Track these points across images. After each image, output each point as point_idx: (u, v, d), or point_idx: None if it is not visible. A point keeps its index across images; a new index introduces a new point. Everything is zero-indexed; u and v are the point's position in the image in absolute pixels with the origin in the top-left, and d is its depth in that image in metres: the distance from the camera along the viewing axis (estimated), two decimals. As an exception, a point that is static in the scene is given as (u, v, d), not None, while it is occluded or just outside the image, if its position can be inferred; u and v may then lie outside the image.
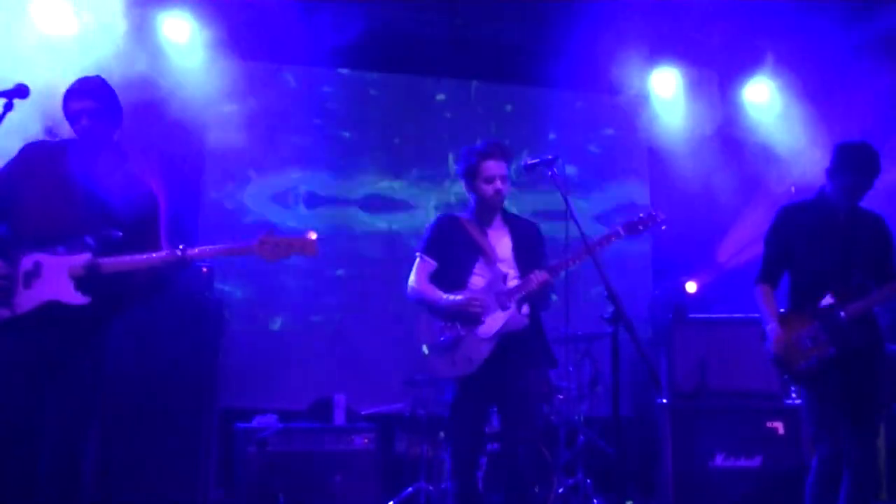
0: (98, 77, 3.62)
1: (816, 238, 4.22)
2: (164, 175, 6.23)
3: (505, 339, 4.05)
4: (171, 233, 6.26)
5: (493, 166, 4.17)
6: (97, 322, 3.46)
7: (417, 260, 4.30)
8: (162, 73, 6.58)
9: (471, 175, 4.22)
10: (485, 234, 4.26)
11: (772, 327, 4.23)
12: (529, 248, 4.28)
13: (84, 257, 3.32)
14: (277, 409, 6.09)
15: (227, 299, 6.62)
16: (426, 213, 7.34)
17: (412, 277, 4.27)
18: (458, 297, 4.05)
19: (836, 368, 4.10)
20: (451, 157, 7.35)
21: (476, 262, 4.18)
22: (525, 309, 4.12)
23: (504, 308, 4.05)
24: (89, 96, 3.50)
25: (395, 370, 6.27)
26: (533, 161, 3.95)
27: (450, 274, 4.20)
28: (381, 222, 7.41)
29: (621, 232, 3.96)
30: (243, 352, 6.61)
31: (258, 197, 7.16)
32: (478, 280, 4.17)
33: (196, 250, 3.46)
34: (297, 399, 6.44)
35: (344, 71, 7.37)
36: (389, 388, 6.37)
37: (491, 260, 4.16)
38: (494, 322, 4.04)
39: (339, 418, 5.94)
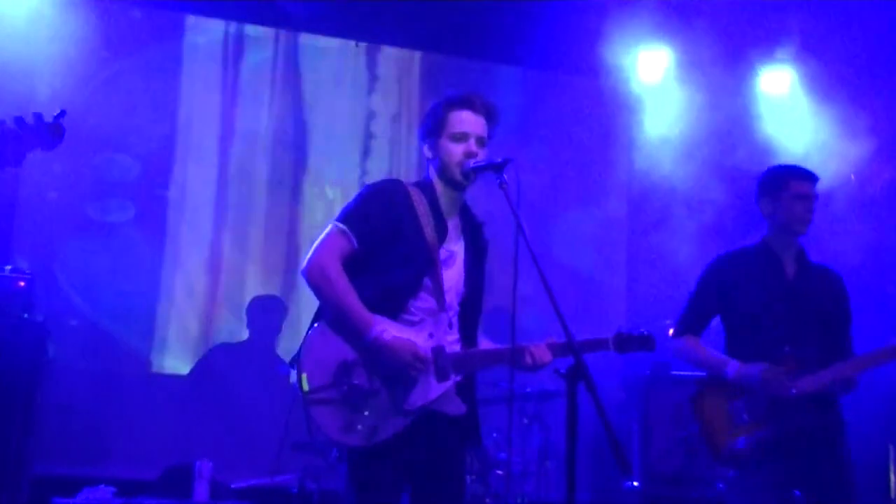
0: None
1: (760, 294, 3.96)
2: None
3: (428, 417, 3.14)
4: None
5: (466, 119, 3.24)
6: None
7: (332, 229, 3.19)
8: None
9: (434, 132, 3.29)
10: (443, 229, 3.27)
11: (733, 364, 3.83)
12: (479, 270, 3.39)
13: None
14: (114, 478, 5.45)
15: (52, 325, 5.75)
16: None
17: (320, 250, 3.17)
18: (401, 340, 3.07)
19: (774, 457, 3.70)
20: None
21: (426, 274, 3.20)
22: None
23: (441, 379, 3.16)
24: None
25: (279, 429, 5.53)
26: (477, 164, 3.16)
27: (382, 282, 3.17)
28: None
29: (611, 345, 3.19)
30: (70, 397, 5.90)
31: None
32: (422, 307, 3.19)
33: None
34: (142, 465, 5.84)
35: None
36: (271, 453, 5.58)
37: (440, 283, 3.21)
38: (422, 392, 3.13)
39: (201, 493, 5.38)
